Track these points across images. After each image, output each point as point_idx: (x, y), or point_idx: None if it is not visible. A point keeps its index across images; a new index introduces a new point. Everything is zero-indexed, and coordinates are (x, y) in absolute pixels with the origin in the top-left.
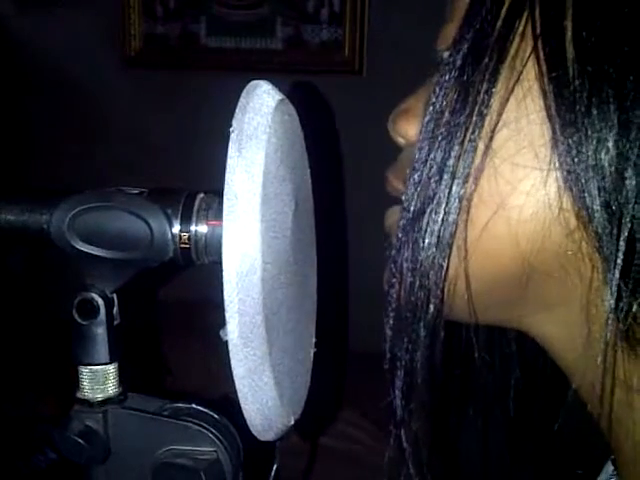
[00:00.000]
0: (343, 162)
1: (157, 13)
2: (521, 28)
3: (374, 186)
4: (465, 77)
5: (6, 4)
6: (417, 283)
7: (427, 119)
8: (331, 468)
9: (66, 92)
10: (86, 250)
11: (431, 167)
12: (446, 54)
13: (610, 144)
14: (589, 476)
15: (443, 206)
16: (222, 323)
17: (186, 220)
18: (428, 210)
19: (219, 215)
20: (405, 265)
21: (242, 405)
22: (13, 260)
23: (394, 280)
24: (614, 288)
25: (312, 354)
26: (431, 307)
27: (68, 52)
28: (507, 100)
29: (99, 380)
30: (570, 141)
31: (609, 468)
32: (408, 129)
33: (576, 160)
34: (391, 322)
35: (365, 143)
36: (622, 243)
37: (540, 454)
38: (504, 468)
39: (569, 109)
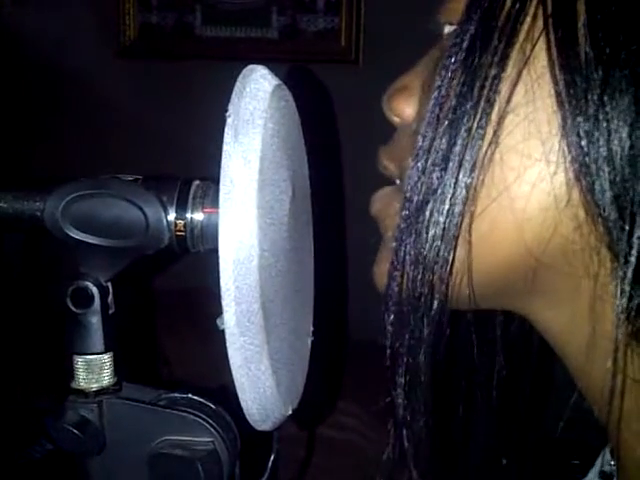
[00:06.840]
0: (340, 151)
1: (152, 2)
2: (532, 9)
3: (371, 174)
4: (472, 61)
5: None
6: (420, 277)
7: (432, 104)
8: (329, 458)
9: (60, 81)
10: (80, 238)
11: (435, 155)
12: (448, 29)
13: (623, 135)
14: (584, 466)
15: (449, 196)
16: (219, 311)
17: (182, 207)
18: (432, 200)
19: (215, 202)
20: (408, 258)
21: (239, 394)
22: (10, 250)
23: (396, 273)
24: (627, 287)
25: (310, 343)
26: (435, 303)
27: (63, 41)
28: (515, 86)
29: (94, 370)
30: (581, 131)
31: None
32: (405, 108)
33: (587, 151)
34: (392, 318)
35: (362, 132)
36: (636, 240)
37: (535, 447)
38: (501, 464)
39: (581, 97)
